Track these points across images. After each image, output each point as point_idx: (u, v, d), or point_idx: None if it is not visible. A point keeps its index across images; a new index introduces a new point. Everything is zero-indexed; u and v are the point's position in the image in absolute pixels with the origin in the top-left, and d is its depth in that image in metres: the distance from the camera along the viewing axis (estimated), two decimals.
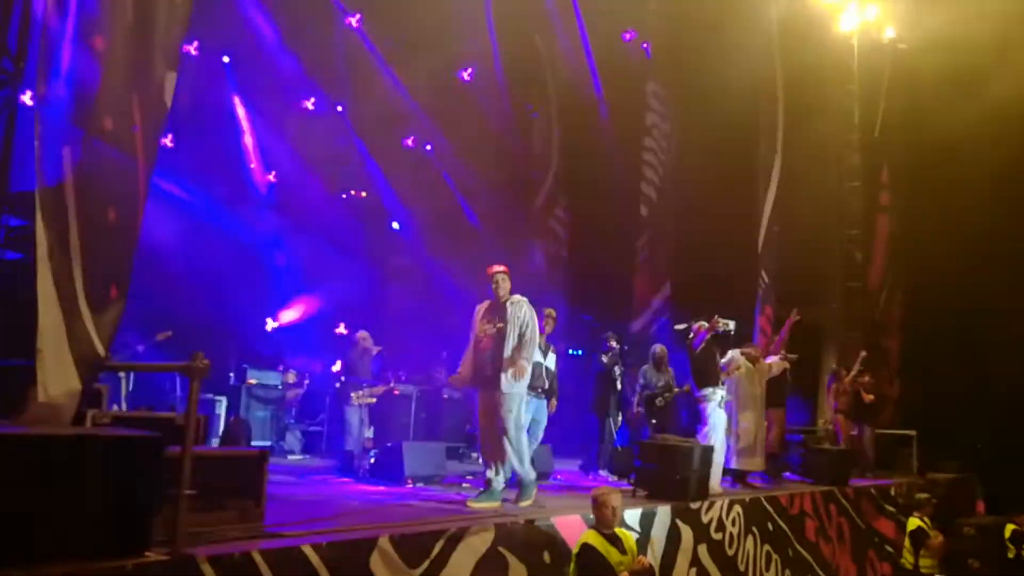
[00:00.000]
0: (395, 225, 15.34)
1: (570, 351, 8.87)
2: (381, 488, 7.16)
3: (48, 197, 4.04)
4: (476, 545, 4.94)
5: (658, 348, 9.76)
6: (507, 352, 6.22)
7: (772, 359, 9.68)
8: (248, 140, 13.44)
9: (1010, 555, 10.02)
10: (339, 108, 13.97)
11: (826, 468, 10.12)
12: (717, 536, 7.27)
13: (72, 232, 4.11)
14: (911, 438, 12.66)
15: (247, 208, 13.30)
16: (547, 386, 8.10)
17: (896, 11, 14.65)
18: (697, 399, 8.40)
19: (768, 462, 9.33)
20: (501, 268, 6.55)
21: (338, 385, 9.13)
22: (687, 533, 6.84)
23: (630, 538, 5.61)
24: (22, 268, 4.13)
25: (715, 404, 8.31)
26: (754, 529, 7.84)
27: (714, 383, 8.38)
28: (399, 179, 14.85)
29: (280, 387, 11.04)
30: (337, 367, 10.03)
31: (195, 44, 11.46)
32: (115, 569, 3.24)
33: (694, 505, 7.05)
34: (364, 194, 15.08)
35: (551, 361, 8.25)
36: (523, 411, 6.52)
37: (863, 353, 12.10)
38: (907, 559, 9.54)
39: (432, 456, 7.86)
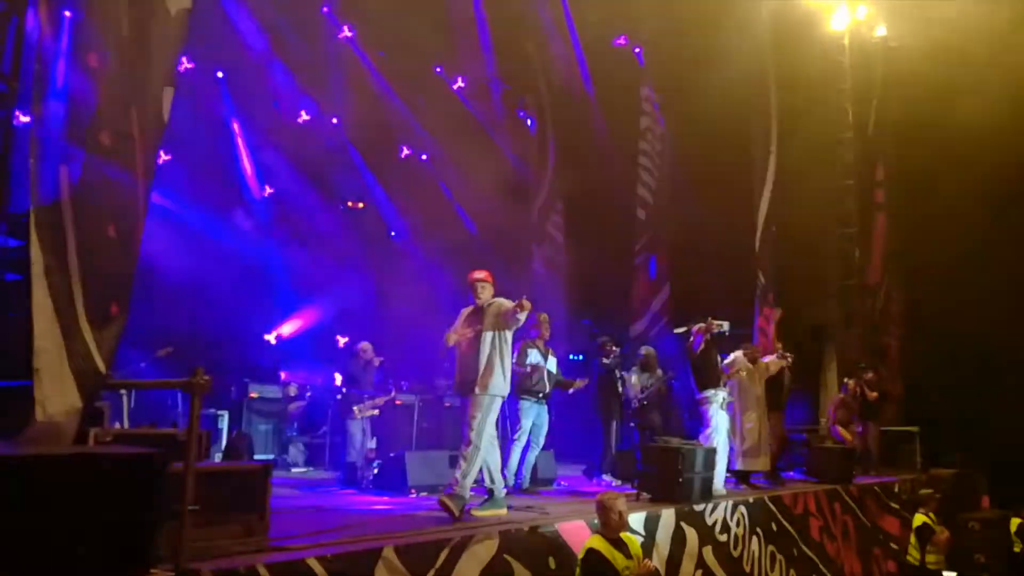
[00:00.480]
0: (392, 234, 15.37)
1: (570, 356, 8.87)
2: (385, 499, 7.16)
3: (44, 215, 4.05)
4: (481, 553, 4.95)
5: (643, 350, 9.81)
6: (482, 358, 6.04)
7: (769, 358, 9.71)
8: (244, 155, 13.46)
9: (1016, 549, 10.02)
10: (334, 120, 14.00)
11: (830, 466, 10.13)
12: (722, 538, 7.27)
13: (70, 249, 4.11)
14: (913, 434, 12.66)
15: (245, 222, 13.31)
16: (548, 390, 8.11)
17: (886, 9, 14.71)
18: (699, 401, 8.41)
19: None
20: (481, 275, 6.41)
21: (340, 397, 9.13)
22: (692, 535, 6.85)
23: (635, 542, 5.62)
24: (21, 289, 4.14)
25: (717, 406, 8.33)
26: (758, 530, 7.84)
27: (715, 385, 8.40)
28: (396, 189, 14.88)
29: (282, 400, 11.03)
30: (339, 379, 10.03)
31: (188, 59, 11.49)
32: None
33: (698, 507, 7.05)
34: (361, 205, 15.10)
35: (552, 364, 8.26)
36: (491, 419, 6.09)
37: (870, 374, 12.04)
38: (913, 555, 9.53)
39: (435, 465, 7.85)
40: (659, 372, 9.70)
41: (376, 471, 8.04)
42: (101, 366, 4.18)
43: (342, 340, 13.16)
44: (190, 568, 3.53)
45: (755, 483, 9.03)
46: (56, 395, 3.94)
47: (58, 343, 3.99)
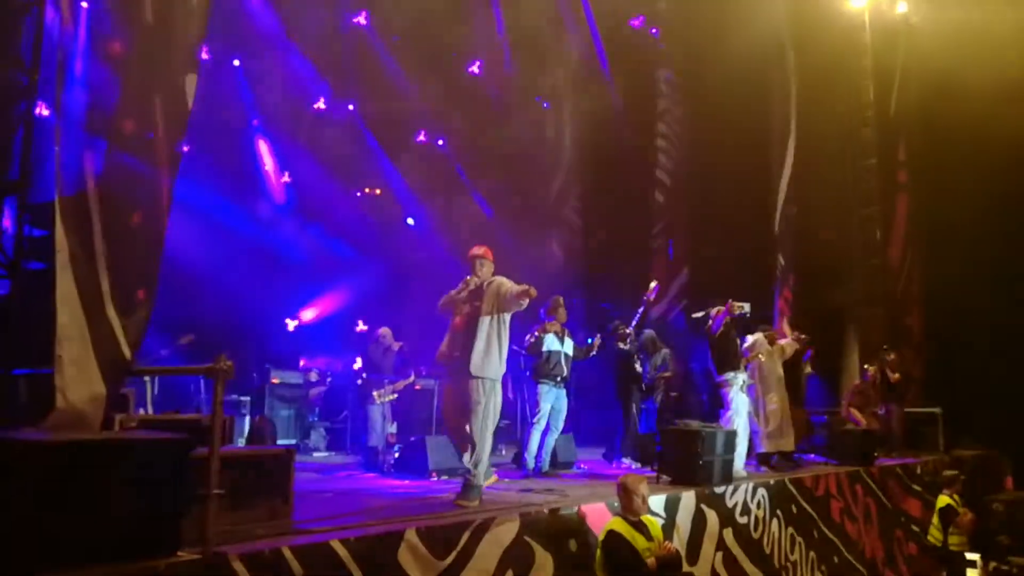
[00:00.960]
0: (410, 221, 15.39)
1: (588, 340, 8.86)
2: (406, 482, 7.21)
3: (70, 205, 4.05)
4: (502, 535, 4.98)
5: (644, 334, 9.82)
6: (481, 341, 5.83)
7: (785, 340, 9.68)
8: (262, 143, 13.51)
9: None
10: (350, 107, 14.01)
11: (851, 448, 10.08)
12: (742, 520, 7.27)
13: (96, 236, 4.10)
14: (936, 416, 12.56)
15: (263, 209, 13.39)
16: (566, 374, 8.12)
17: None
18: (719, 384, 8.40)
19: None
20: (480, 251, 6.23)
21: (360, 382, 9.21)
22: (712, 518, 6.85)
23: (656, 524, 5.63)
24: (45, 278, 4.18)
25: (737, 388, 8.31)
26: (779, 512, 7.83)
27: (735, 367, 8.38)
28: (412, 175, 14.89)
29: (303, 386, 11.13)
30: (359, 364, 10.10)
31: (205, 49, 11.53)
32: (148, 569, 3.31)
33: (719, 490, 7.05)
34: (379, 191, 15.13)
35: (569, 347, 8.26)
36: (493, 402, 5.85)
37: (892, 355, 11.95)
38: (935, 536, 9.48)
39: (455, 449, 7.89)
40: (664, 351, 9.76)
41: (397, 455, 8.10)
42: (127, 352, 4.18)
43: (361, 326, 13.24)
44: (216, 551, 3.57)
45: (775, 465, 9.01)
46: (78, 382, 3.94)
47: (82, 330, 3.99)
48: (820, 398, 12.64)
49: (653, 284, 9.31)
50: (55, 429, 3.77)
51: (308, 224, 13.56)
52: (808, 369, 12.51)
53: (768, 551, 7.56)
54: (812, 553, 8.29)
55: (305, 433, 10.76)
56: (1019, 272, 12.92)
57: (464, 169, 14.97)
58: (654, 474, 7.32)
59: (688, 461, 7.09)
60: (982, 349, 13.04)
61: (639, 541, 5.30)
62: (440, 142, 15.19)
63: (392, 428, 8.91)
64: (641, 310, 9.23)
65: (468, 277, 6.16)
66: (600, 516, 5.67)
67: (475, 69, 14.65)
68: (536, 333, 8.15)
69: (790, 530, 7.97)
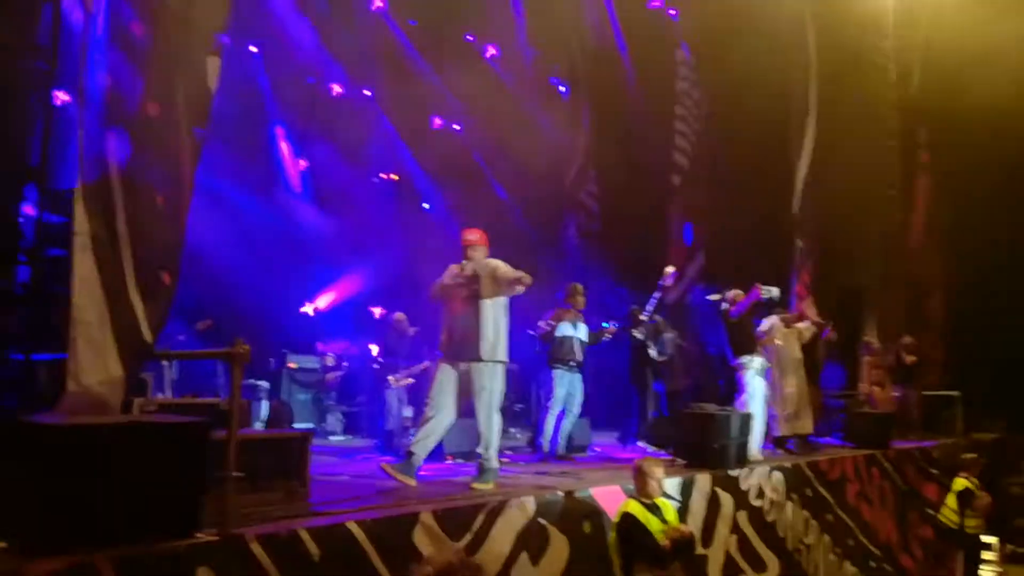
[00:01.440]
0: (426, 206, 15.41)
1: (603, 324, 8.87)
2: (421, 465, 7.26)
3: (92, 189, 4.06)
4: (516, 517, 5.03)
5: (656, 318, 9.82)
6: (487, 325, 5.81)
7: (803, 324, 9.64)
8: (279, 129, 13.55)
9: None
10: (367, 92, 14.01)
11: (868, 431, 10.05)
12: (757, 503, 7.29)
13: (120, 221, 4.09)
14: (955, 399, 12.47)
15: (280, 194, 13.44)
16: (580, 359, 8.14)
17: None
18: (735, 367, 8.39)
19: None
20: (474, 236, 6.19)
21: (376, 367, 9.26)
22: (727, 500, 6.87)
23: (670, 507, 5.66)
24: (66, 264, 4.21)
25: (753, 372, 8.30)
26: (793, 495, 7.84)
27: (751, 351, 8.36)
28: (429, 160, 14.88)
29: (320, 370, 11.22)
30: (375, 350, 10.16)
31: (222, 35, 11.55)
32: (168, 550, 3.38)
33: (733, 473, 7.06)
34: (395, 176, 15.15)
35: (583, 332, 8.28)
36: (500, 386, 5.94)
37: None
38: (950, 518, 9.42)
39: (470, 432, 7.86)
40: (668, 335, 9.78)
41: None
42: (148, 336, 4.20)
43: (377, 311, 13.30)
44: (235, 532, 3.63)
45: (790, 448, 9.00)
46: (94, 365, 3.94)
47: (101, 313, 3.99)
48: (837, 381, 12.58)
49: (670, 269, 9.27)
50: (73, 413, 3.79)
51: (324, 210, 13.61)
52: (825, 352, 12.46)
53: (782, 534, 7.58)
54: (826, 536, 8.29)
55: (322, 417, 10.85)
56: None
57: (480, 154, 14.94)
58: (669, 457, 7.35)
59: (704, 444, 7.11)
60: (1003, 332, 12.91)
61: (653, 523, 5.33)
62: (456, 127, 15.17)
63: (408, 412, 8.97)
64: (657, 295, 9.21)
65: (462, 262, 6.14)
66: (615, 498, 5.71)
67: (493, 51, 14.59)
68: (550, 320, 8.18)
69: (805, 513, 7.97)
